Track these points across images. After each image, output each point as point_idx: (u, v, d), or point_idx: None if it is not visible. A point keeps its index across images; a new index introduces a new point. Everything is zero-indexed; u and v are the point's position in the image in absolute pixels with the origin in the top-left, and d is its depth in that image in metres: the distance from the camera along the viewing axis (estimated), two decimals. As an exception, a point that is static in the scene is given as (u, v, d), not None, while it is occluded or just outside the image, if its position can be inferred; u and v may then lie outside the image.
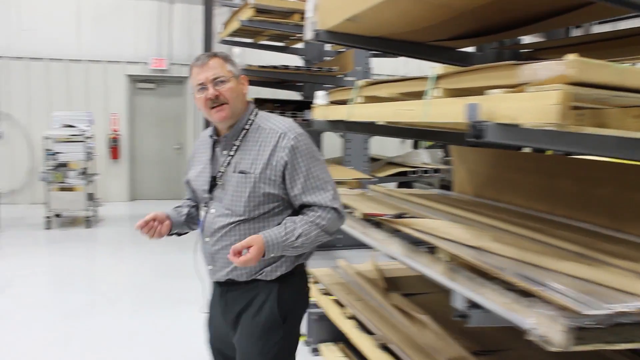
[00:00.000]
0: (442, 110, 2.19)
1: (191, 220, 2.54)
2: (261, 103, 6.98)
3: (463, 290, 1.96)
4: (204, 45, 11.19)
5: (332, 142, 10.14)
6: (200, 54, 2.37)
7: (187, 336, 4.44)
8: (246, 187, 2.21)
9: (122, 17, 11.11)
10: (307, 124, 3.83)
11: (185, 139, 11.52)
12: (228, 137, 2.29)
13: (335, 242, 6.83)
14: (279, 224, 2.21)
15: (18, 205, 10.40)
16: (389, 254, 2.59)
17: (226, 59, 2.29)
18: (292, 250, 2.19)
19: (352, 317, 3.29)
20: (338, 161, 8.03)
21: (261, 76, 8.02)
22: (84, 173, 8.81)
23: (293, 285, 2.31)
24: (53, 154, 8.46)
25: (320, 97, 3.82)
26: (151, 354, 4.20)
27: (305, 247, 2.22)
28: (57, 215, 8.81)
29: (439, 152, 8.76)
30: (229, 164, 2.27)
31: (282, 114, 6.92)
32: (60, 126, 8.76)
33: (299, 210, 2.26)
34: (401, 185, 8.82)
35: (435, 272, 2.21)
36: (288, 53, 9.13)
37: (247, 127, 2.28)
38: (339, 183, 6.16)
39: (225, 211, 2.26)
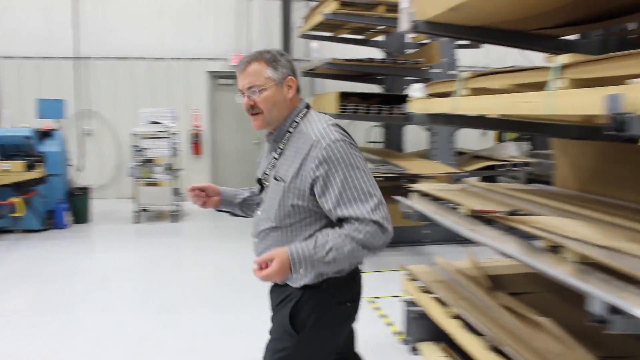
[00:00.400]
0: (570, 101, 2.06)
1: (247, 207, 2.52)
2: (346, 97, 6.92)
3: (601, 293, 1.83)
4: (282, 40, 11.27)
5: (416, 136, 10.01)
6: (244, 56, 2.23)
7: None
8: (277, 195, 2.16)
9: (203, 14, 11.32)
10: (404, 118, 3.74)
11: (264, 134, 11.60)
12: (273, 139, 2.25)
13: (422, 237, 6.72)
14: (311, 235, 2.11)
15: (107, 199, 10.82)
16: (504, 252, 2.47)
17: (269, 62, 2.15)
18: (324, 266, 2.04)
19: (457, 317, 3.19)
20: (424, 154, 7.88)
21: (343, 69, 7.95)
22: (169, 168, 9.05)
23: (318, 298, 2.17)
24: (140, 150, 8.72)
25: (416, 90, 3.71)
26: (248, 348, 4.22)
27: (339, 263, 2.04)
28: (144, 210, 9.08)
29: (526, 145, 8.46)
30: (273, 166, 2.23)
31: (367, 108, 6.88)
32: (146, 123, 9.01)
33: (337, 223, 2.09)
34: (485, 179, 8.57)
35: (562, 272, 2.08)
36: (368, 46, 9.04)
37: (290, 129, 2.20)
38: (428, 177, 6.06)
39: (263, 215, 2.25)
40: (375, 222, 2.00)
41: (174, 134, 8.92)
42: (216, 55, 11.38)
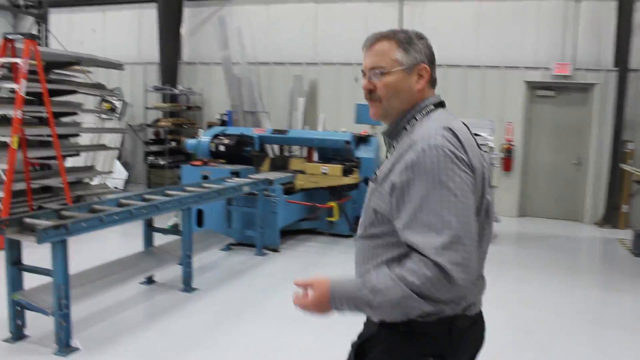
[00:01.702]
0: None
1: None
2: None
3: None
4: (615, 47, 9.74)
5: None
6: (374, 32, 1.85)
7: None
8: (367, 196, 1.84)
9: (523, 20, 10.35)
10: None
11: (587, 154, 10.17)
12: (388, 135, 1.90)
13: None
14: (391, 260, 1.70)
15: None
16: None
17: (400, 42, 1.79)
18: (370, 311, 1.65)
19: None
20: None
21: None
22: (482, 184, 8.31)
23: (394, 342, 1.72)
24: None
25: None
26: None
27: (389, 311, 1.61)
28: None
29: None
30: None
31: None
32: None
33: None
34: None
35: None
36: None
37: (407, 127, 1.80)
38: None
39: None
40: (438, 266, 1.53)
41: (492, 148, 8.14)
42: (536, 64, 10.32)
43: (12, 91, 7.69)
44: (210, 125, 11.34)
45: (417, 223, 1.58)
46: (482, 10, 10.54)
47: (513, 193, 10.47)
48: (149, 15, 12.47)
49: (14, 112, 7.07)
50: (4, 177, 7.01)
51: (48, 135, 8.31)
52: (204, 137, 8.10)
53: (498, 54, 10.48)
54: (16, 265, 4.17)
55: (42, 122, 9.01)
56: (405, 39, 1.80)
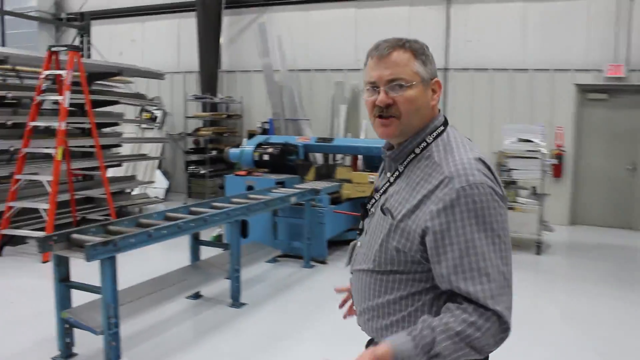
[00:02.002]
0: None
1: None
2: None
3: None
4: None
5: None
6: (382, 40, 1.67)
7: None
8: (382, 232, 1.63)
9: (572, 20, 9.94)
10: None
11: (641, 159, 9.76)
12: (392, 157, 1.71)
13: None
14: (413, 294, 1.60)
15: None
16: None
17: (417, 54, 1.63)
18: None
19: None
20: None
21: None
22: (534, 193, 7.98)
23: None
24: (508, 170, 7.81)
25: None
26: None
27: None
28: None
29: None
30: (384, 192, 1.71)
31: None
32: (513, 139, 8.07)
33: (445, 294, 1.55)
34: None
35: None
36: None
37: (417, 150, 1.65)
38: None
39: (362, 251, 1.77)
40: (496, 315, 1.44)
41: (544, 154, 7.81)
42: (586, 66, 9.90)
43: (56, 103, 7.68)
44: (250, 134, 11.23)
45: (466, 269, 1.46)
46: (528, 12, 10.18)
47: (563, 200, 10.06)
48: (188, 24, 12.45)
49: (59, 124, 7.03)
50: (49, 189, 6.97)
51: (90, 146, 8.29)
52: (248, 146, 7.96)
53: (546, 56, 10.10)
54: (64, 282, 4.05)
55: (84, 133, 9.02)
56: (421, 50, 1.65)
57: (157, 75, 10.77)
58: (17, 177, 7.14)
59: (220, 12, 12.16)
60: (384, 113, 1.63)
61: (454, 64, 10.60)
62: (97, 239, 3.88)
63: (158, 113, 12.23)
